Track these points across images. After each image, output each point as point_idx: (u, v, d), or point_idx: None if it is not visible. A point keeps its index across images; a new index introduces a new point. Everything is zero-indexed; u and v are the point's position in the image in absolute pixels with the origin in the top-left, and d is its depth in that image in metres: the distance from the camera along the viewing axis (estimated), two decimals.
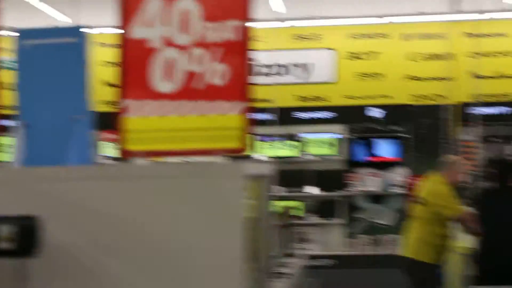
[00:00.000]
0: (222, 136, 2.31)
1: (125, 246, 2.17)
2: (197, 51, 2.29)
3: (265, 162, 2.38)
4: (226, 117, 2.30)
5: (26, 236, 1.97)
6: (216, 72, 2.31)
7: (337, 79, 10.00)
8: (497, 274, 4.65)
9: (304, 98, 10.19)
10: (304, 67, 10.01)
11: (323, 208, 10.06)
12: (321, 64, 10.07)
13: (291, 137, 9.90)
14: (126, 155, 2.53)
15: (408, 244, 5.12)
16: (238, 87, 2.32)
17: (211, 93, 2.31)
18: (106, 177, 2.28)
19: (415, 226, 5.10)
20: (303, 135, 10.00)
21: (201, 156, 2.43)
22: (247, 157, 2.73)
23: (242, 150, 2.33)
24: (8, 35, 2.52)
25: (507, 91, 9.48)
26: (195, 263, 2.17)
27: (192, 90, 2.30)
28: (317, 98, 10.15)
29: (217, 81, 2.31)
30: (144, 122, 2.38)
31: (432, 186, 5.15)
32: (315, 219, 9.85)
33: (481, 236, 4.89)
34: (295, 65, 9.89)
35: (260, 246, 2.54)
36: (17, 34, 2.58)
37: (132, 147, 2.42)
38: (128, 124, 2.38)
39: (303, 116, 10.15)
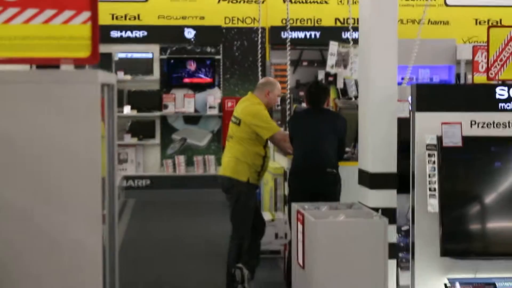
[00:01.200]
0: (70, 45, 2.39)
1: None
2: None
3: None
4: (73, 26, 2.38)
5: None
6: None
7: None
8: (302, 193, 5.33)
9: (118, 17, 10.65)
10: None
11: (139, 129, 10.67)
12: None
13: (107, 56, 10.19)
14: None
15: (226, 164, 5.53)
16: None
17: (57, 2, 2.39)
18: None
19: (232, 146, 5.52)
20: (118, 54, 10.44)
21: (50, 64, 2.53)
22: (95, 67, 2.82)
23: (92, 59, 2.41)
24: None
25: (316, 16, 10.80)
26: (57, 166, 2.33)
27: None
28: (131, 17, 10.66)
29: None
30: None
31: (247, 106, 5.55)
32: (130, 140, 10.46)
33: (293, 156, 5.55)
34: None
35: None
36: None
37: None
38: None
39: (116, 35, 10.50)
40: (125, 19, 10.63)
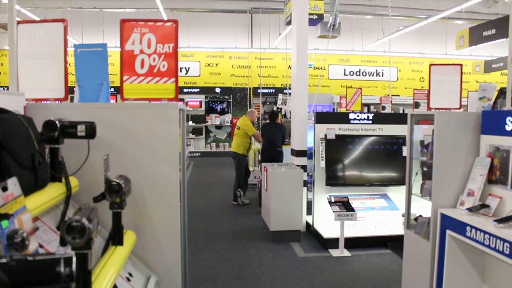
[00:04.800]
0: (166, 92, 3.30)
1: None
2: (154, 56, 3.32)
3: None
4: (167, 84, 3.32)
5: None
6: (162, 65, 3.34)
7: (199, 74, 20.57)
8: (269, 160, 8.56)
9: (186, 82, 20.26)
10: None
11: (195, 131, 19.07)
12: None
13: (181, 100, 17.82)
14: (124, 100, 3.34)
15: (233, 146, 9.13)
16: (171, 71, 3.33)
17: (160, 74, 3.32)
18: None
19: (235, 138, 9.08)
20: (187, 99, 19.47)
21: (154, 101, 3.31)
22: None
23: (175, 99, 3.33)
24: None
25: (273, 83, 19.22)
26: (159, 145, 3.14)
27: (152, 73, 3.32)
28: (192, 82, 20.26)
29: (162, 68, 3.34)
30: (132, 85, 3.30)
31: (242, 121, 9.12)
32: (192, 136, 18.96)
33: (262, 143, 8.95)
34: None
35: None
36: (75, 45, 3.60)
37: (126, 96, 3.29)
38: (124, 86, 3.28)
39: (186, 90, 20.20)
40: (189, 83, 19.64)
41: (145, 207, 3.12)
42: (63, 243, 1.58)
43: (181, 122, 3.60)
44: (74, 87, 3.60)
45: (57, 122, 2.51)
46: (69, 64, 3.24)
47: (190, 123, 19.61)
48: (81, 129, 2.57)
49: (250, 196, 10.06)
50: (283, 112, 12.58)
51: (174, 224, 3.16)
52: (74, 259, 1.19)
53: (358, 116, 7.43)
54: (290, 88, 9.83)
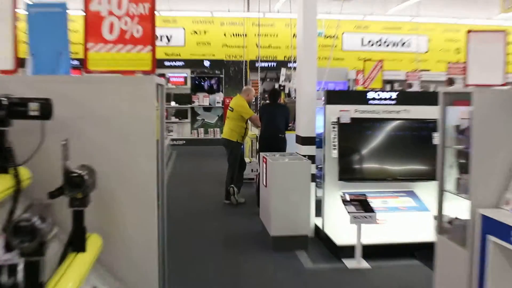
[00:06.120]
0: (141, 63, 3.40)
1: None
2: (126, 18, 3.42)
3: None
4: (142, 53, 3.39)
5: None
6: (135, 29, 3.43)
7: (184, 43, 20.51)
8: (269, 149, 8.59)
9: (168, 54, 20.09)
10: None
11: (179, 113, 19.15)
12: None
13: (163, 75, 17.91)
14: (88, 72, 3.54)
15: (225, 131, 9.28)
16: (146, 37, 3.43)
17: (134, 40, 3.38)
18: None
19: (228, 122, 9.25)
20: (168, 74, 19.15)
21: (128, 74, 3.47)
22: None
23: (152, 71, 3.44)
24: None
25: (274, 55, 19.66)
26: (130, 129, 3.24)
27: (123, 39, 3.42)
28: (175, 54, 20.10)
29: (136, 34, 3.45)
30: (98, 55, 3.42)
31: (237, 101, 9.30)
32: (175, 119, 18.96)
33: (260, 128, 9.10)
34: None
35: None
36: (28, 5, 3.66)
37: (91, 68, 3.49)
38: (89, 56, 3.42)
39: (167, 64, 19.62)
40: (172, 55, 19.84)
41: (115, 206, 3.18)
42: (9, 247, 1.54)
43: (160, 101, 3.70)
44: (26, 58, 3.62)
45: (3, 99, 2.50)
46: (21, 30, 3.30)
47: (173, 103, 19.70)
48: (33, 108, 2.59)
49: (246, 193, 10.21)
50: (286, 91, 12.71)
51: (150, 227, 3.21)
52: (20, 267, 1.16)
53: (378, 95, 7.53)
54: (295, 62, 9.80)
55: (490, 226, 3.63)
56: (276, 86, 13.63)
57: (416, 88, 14.76)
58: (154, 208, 3.25)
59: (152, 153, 3.25)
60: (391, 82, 17.32)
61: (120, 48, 3.43)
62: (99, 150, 3.15)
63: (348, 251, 6.68)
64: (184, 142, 19.89)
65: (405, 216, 7.25)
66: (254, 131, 11.15)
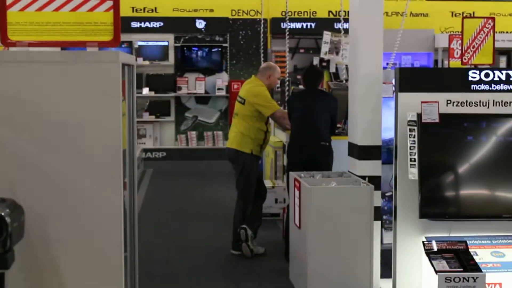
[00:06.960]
0: (95, 30, 3.21)
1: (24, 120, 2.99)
2: None
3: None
4: (97, 13, 3.22)
5: None
6: None
7: None
8: (299, 164, 7.57)
9: (137, 9, 16.45)
10: None
11: (156, 108, 16.36)
12: None
13: (128, 44, 16.07)
14: (8, 45, 3.51)
15: (232, 138, 8.19)
16: None
17: None
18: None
19: (237, 122, 8.18)
20: (138, 42, 16.22)
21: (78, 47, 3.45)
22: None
23: (114, 43, 3.34)
24: None
25: (312, 9, 15.89)
26: (81, 137, 3.04)
27: None
28: (149, 10, 16.54)
29: None
30: (24, 15, 3.29)
31: (251, 88, 8.15)
32: (149, 117, 16.15)
33: (290, 131, 8.09)
34: None
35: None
36: None
37: (13, 37, 3.34)
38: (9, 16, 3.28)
39: (136, 25, 16.18)
40: (144, 11, 16.13)
41: (57, 264, 2.84)
42: None
43: (128, 90, 3.58)
44: None
45: None
46: None
47: (145, 91, 16.91)
48: None
49: (266, 238, 8.86)
50: (332, 70, 11.30)
51: None
52: None
53: (487, 75, 6.39)
54: (346, 21, 8.57)
55: None
56: (315, 61, 12.01)
57: None
58: (119, 264, 2.93)
59: (115, 174, 2.99)
60: (508, 53, 15.45)
61: (62, 4, 3.08)
62: (30, 171, 2.85)
63: None
64: (165, 154, 17.03)
65: None
66: (279, 136, 10.19)
